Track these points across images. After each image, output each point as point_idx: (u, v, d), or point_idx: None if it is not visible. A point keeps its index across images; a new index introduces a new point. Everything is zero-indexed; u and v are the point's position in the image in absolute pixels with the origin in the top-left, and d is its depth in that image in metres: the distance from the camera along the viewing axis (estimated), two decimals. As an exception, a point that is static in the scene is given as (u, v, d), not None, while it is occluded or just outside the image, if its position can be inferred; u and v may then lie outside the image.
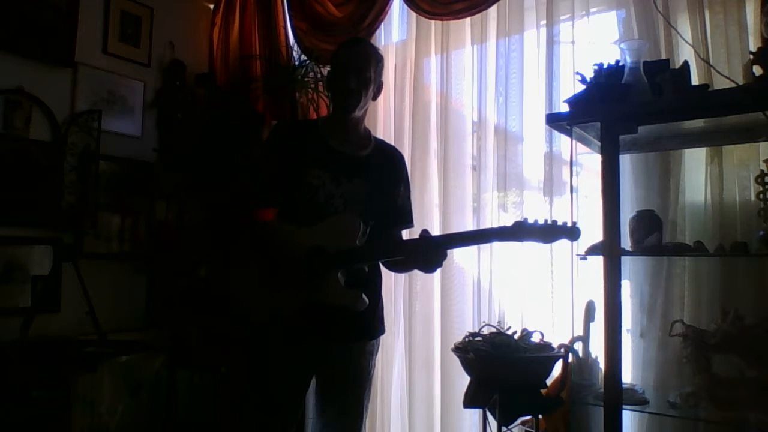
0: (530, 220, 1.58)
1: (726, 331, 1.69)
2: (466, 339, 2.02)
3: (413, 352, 2.67)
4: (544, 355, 1.91)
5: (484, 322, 2.18)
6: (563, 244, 1.63)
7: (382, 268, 1.93)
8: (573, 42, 2.33)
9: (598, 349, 1.89)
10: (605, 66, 1.78)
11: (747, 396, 1.63)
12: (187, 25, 3.39)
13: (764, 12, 1.71)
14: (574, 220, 1.63)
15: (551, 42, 2.38)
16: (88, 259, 2.74)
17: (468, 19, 2.64)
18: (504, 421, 1.89)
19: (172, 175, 3.01)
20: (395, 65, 2.90)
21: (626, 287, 2.03)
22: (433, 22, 2.73)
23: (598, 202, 1.71)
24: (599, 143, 1.75)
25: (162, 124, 3.19)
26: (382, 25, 2.89)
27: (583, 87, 1.79)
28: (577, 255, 1.78)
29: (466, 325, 2.45)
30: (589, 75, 1.79)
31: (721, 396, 1.66)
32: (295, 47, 3.15)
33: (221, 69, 3.32)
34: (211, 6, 3.47)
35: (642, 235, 1.85)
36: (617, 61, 1.79)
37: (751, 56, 1.68)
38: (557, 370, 1.96)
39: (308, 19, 3.09)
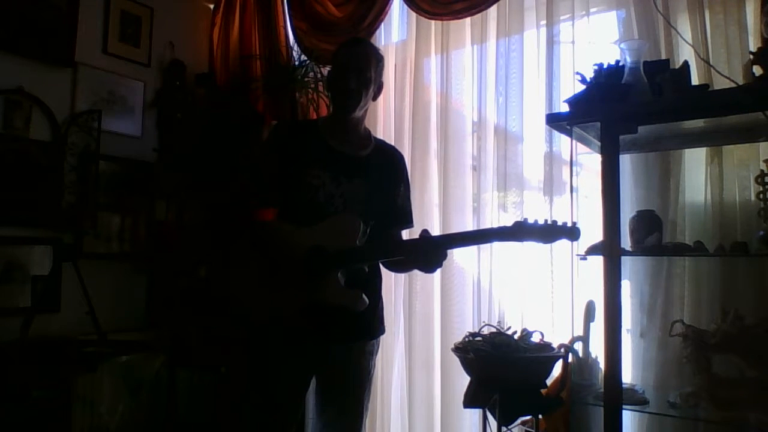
0: (530, 220, 1.58)
1: (726, 331, 1.69)
2: (466, 339, 2.02)
3: (413, 352, 2.67)
4: (544, 355, 1.91)
5: (484, 322, 2.18)
6: (563, 244, 1.63)
7: (382, 268, 1.93)
8: (573, 42, 2.33)
9: (598, 349, 1.89)
10: (605, 66, 1.78)
11: (747, 396, 1.63)
12: (187, 25, 3.39)
13: (764, 12, 1.71)
14: (574, 220, 1.63)
15: (551, 42, 2.38)
16: (88, 259, 2.74)
17: (468, 19, 2.64)
18: (504, 421, 1.89)
19: (172, 175, 3.01)
20: (395, 65, 2.90)
21: (626, 287, 2.03)
22: (433, 22, 2.73)
23: (598, 202, 1.71)
24: (599, 143, 1.75)
25: (162, 124, 3.19)
26: (382, 25, 2.89)
27: (583, 87, 1.79)
28: (577, 255, 1.78)
29: (466, 325, 2.45)
30: (589, 75, 1.79)
31: (721, 396, 1.66)
32: (295, 47, 3.15)
33: (221, 69, 3.32)
34: (211, 6, 3.47)
35: (642, 235, 1.85)
36: (617, 61, 1.79)
37: (751, 56, 1.68)
38: (557, 370, 1.96)
39: (308, 19, 3.09)
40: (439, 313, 2.61)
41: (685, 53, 2.03)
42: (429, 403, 2.61)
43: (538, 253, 2.30)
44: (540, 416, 1.97)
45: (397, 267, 2.02)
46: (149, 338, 2.79)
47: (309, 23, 3.09)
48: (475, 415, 2.37)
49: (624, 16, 2.27)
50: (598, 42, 2.34)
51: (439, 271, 2.04)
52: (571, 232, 1.57)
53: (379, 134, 2.69)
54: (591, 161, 1.99)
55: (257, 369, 1.82)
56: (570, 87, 2.12)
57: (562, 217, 1.60)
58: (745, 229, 1.90)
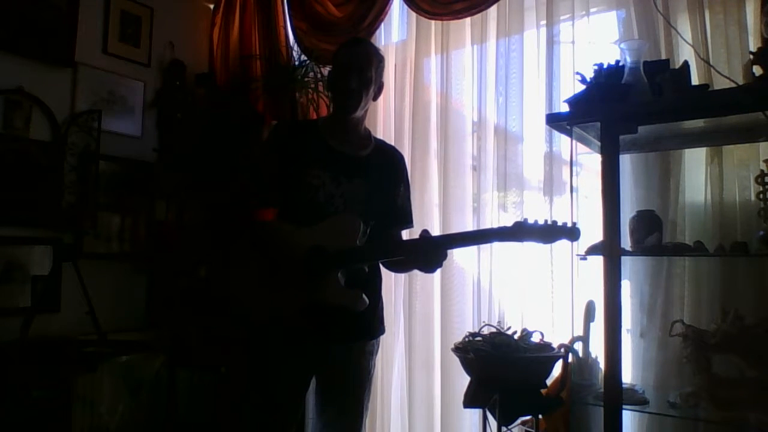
0: (530, 221, 1.58)
1: (726, 331, 1.69)
2: (466, 339, 2.02)
3: (413, 352, 2.67)
4: (544, 355, 1.91)
5: (484, 322, 2.18)
6: (563, 244, 1.63)
7: (382, 268, 1.93)
8: (573, 42, 2.33)
9: (598, 349, 1.89)
10: (605, 66, 1.78)
11: (747, 396, 1.63)
12: (187, 25, 3.39)
13: (764, 12, 1.71)
14: (574, 220, 1.63)
15: (551, 42, 2.38)
16: (88, 259, 2.74)
17: (468, 19, 2.64)
18: (504, 421, 1.89)
19: (172, 175, 3.01)
20: (395, 65, 2.90)
21: (626, 287, 2.03)
22: (433, 22, 2.73)
23: (598, 202, 1.71)
24: (599, 143, 1.75)
25: (162, 124, 3.19)
26: (382, 25, 2.89)
27: (583, 87, 1.79)
28: (577, 255, 1.78)
29: (466, 325, 2.45)
30: (589, 75, 1.79)
31: (721, 396, 1.66)
32: (295, 47, 3.15)
33: (221, 69, 3.32)
34: (211, 6, 3.47)
35: (642, 235, 1.85)
36: (617, 61, 1.79)
37: (751, 56, 1.68)
38: (557, 370, 1.96)
39: (308, 19, 3.09)
40: (439, 313, 2.61)
41: (685, 53, 2.03)
42: (429, 403, 2.61)
43: (538, 253, 2.30)
44: (540, 416, 1.97)
45: (397, 267, 2.02)
46: (149, 338, 2.79)
47: (309, 23, 3.09)
48: (475, 415, 2.37)
49: (624, 16, 2.27)
50: (598, 42, 2.34)
51: (439, 271, 2.03)
52: (571, 233, 1.57)
53: (379, 134, 2.69)
54: (591, 161, 1.99)
55: (257, 369, 1.82)
56: (570, 87, 2.12)
57: (562, 217, 1.60)
58: (745, 229, 1.90)
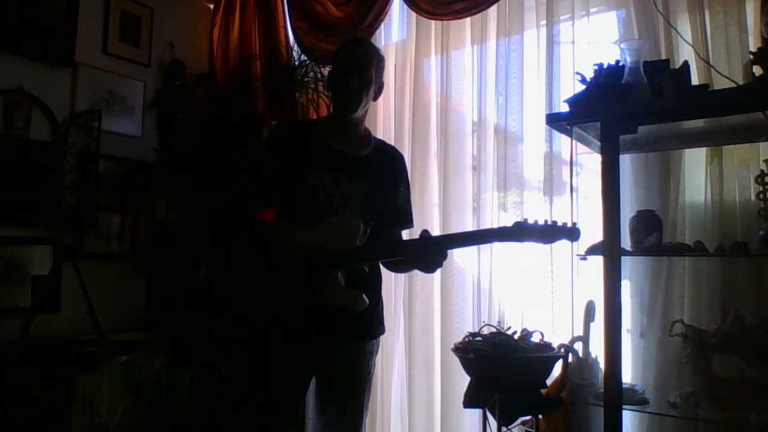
0: (530, 221, 1.58)
1: (726, 331, 1.69)
2: (466, 339, 2.02)
3: (413, 352, 2.67)
4: (544, 355, 1.91)
5: (484, 322, 2.18)
6: (563, 244, 1.63)
7: (382, 268, 1.93)
8: (573, 42, 2.33)
9: (598, 349, 1.89)
10: (605, 66, 1.78)
11: (747, 396, 1.63)
12: (187, 25, 3.39)
13: (764, 12, 1.71)
14: (574, 220, 1.63)
15: (551, 42, 2.38)
16: (88, 259, 2.74)
17: (468, 19, 2.64)
18: (504, 421, 1.89)
19: (172, 175, 3.01)
20: (395, 65, 2.90)
21: (626, 287, 2.03)
22: (433, 22, 2.73)
23: (598, 202, 1.71)
24: (599, 143, 1.75)
25: (162, 124, 3.19)
26: (382, 25, 2.89)
27: (583, 87, 1.79)
28: (577, 255, 1.78)
29: (466, 325, 2.45)
30: (589, 75, 1.79)
31: (721, 396, 1.66)
32: (295, 47, 3.15)
33: (221, 69, 3.32)
34: (211, 6, 3.47)
35: (642, 235, 1.85)
36: (617, 61, 1.79)
37: (751, 56, 1.68)
38: (557, 370, 1.96)
39: (308, 19, 3.09)
40: (439, 313, 2.61)
41: (685, 53, 2.03)
42: (429, 403, 2.61)
43: (538, 254, 2.30)
44: (540, 416, 1.97)
45: (397, 267, 2.02)
46: (149, 338, 2.79)
47: (309, 23, 3.09)
48: (475, 415, 2.37)
49: (624, 16, 2.27)
50: (598, 42, 2.34)
51: (439, 271, 2.03)
52: (571, 233, 1.57)
53: (379, 134, 2.69)
54: (591, 161, 1.99)
55: (257, 369, 1.82)
56: (570, 87, 2.12)
57: (562, 217, 1.60)
58: (745, 229, 1.90)
